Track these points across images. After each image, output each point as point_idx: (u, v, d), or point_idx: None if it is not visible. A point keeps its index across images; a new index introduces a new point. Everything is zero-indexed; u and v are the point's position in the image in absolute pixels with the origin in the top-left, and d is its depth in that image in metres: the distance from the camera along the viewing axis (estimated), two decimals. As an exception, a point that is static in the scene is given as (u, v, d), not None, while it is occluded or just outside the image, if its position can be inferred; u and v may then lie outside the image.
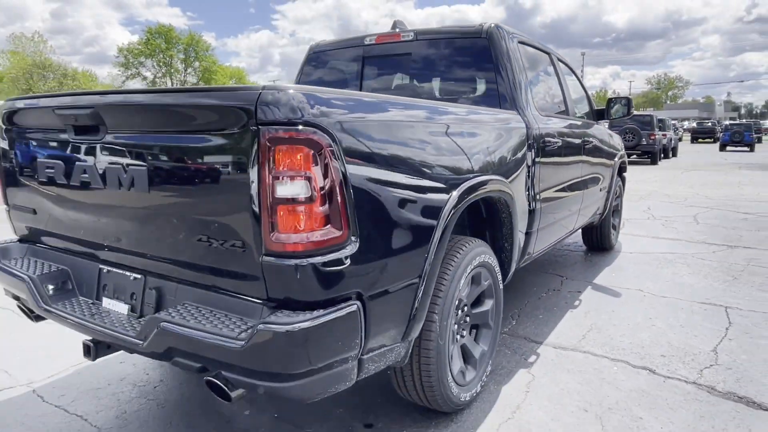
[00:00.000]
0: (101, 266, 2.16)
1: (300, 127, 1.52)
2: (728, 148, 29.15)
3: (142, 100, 1.80)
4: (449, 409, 2.38)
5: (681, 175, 14.34)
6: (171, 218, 1.80)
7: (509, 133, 2.81)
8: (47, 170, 2.15)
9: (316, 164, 1.55)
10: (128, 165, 1.83)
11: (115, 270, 2.10)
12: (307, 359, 1.58)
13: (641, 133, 18.16)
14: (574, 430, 2.34)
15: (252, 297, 1.70)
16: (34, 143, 2.25)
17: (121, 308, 2.05)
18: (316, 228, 1.57)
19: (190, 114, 1.69)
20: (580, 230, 5.16)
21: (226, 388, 1.66)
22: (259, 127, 1.52)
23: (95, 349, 2.06)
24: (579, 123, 4.14)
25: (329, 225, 1.60)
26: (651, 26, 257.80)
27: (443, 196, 2.09)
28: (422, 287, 2.01)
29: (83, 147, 1.99)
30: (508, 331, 3.45)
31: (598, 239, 5.40)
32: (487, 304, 2.63)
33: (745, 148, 28.89)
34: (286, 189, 1.53)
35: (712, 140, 38.64)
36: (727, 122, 32.44)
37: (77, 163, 2.01)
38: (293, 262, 1.56)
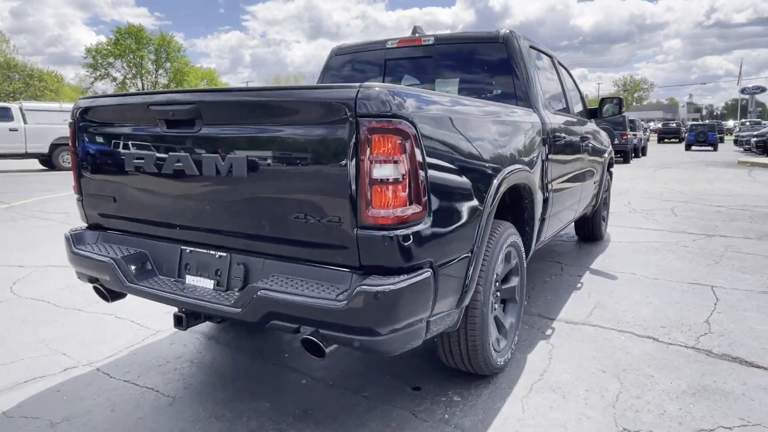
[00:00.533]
0: (183, 247, 2.39)
1: (392, 119, 1.80)
2: (693, 147, 30.38)
3: (247, 97, 2.05)
4: (488, 372, 2.68)
5: (653, 173, 15.03)
6: (268, 200, 2.05)
7: (532, 128, 3.15)
8: (135, 161, 2.38)
9: (404, 151, 1.83)
10: (227, 154, 2.08)
11: (198, 250, 2.34)
12: (395, 316, 1.86)
13: (614, 133, 18.90)
14: (596, 386, 2.67)
15: (341, 266, 1.97)
16: (118, 137, 2.47)
17: (207, 284, 2.30)
18: (402, 205, 1.86)
19: (293, 108, 1.95)
20: (573, 223, 5.55)
21: (322, 345, 1.92)
22: (358, 119, 1.79)
23: (186, 319, 2.30)
24: (576, 120, 4.51)
25: (412, 203, 1.88)
26: (616, 30, 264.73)
27: (490, 182, 2.41)
28: (473, 261, 2.31)
29: (177, 139, 2.23)
30: (523, 309, 3.78)
31: (590, 230, 5.81)
32: (514, 281, 2.95)
33: (709, 148, 30.15)
34: (380, 171, 1.81)
35: (678, 140, 40.15)
36: (692, 123, 33.78)
37: (170, 153, 2.24)
38: (384, 233, 1.84)
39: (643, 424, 2.35)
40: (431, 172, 1.96)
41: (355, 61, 4.07)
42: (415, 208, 1.89)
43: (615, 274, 4.67)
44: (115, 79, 62.71)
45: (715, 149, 29.74)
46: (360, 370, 2.91)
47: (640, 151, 23.10)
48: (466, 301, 2.34)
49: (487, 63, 3.55)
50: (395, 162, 1.82)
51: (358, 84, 1.82)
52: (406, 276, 1.89)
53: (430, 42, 3.73)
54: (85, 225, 2.80)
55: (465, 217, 2.22)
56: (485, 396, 2.60)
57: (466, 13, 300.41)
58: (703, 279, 4.45)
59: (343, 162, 1.84)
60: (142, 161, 2.36)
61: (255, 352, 3.16)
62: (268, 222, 2.08)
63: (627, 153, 19.49)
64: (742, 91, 64.71)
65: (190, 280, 2.36)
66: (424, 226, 1.94)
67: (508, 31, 3.52)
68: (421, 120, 1.92)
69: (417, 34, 3.90)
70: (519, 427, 2.34)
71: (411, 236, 1.88)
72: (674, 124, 45.05)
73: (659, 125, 47.79)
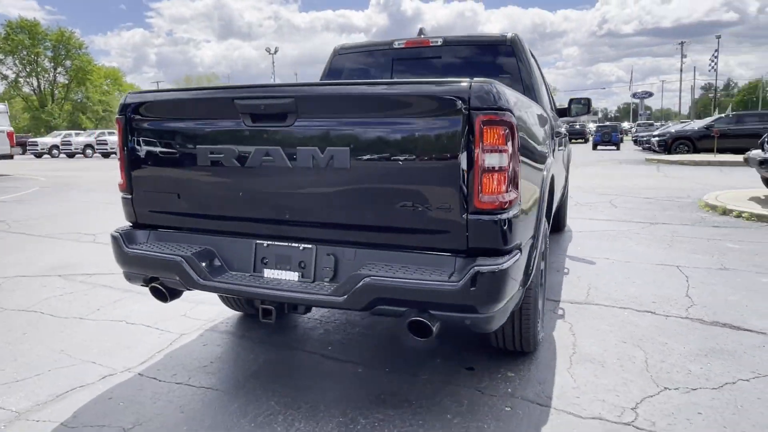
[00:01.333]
0: (258, 242, 2.39)
1: (499, 111, 1.96)
2: (599, 147, 32.89)
3: (353, 91, 2.11)
4: (533, 349, 2.90)
5: (576, 170, 16.20)
6: (371, 190, 2.12)
7: (549, 125, 3.42)
8: (211, 155, 2.34)
9: (508, 141, 1.99)
10: (326, 146, 2.13)
11: (278, 243, 2.36)
12: (502, 295, 2.02)
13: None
14: (624, 355, 2.98)
15: (445, 250, 2.09)
16: (183, 132, 2.42)
17: (290, 276, 2.32)
18: (504, 191, 2.02)
19: (404, 101, 2.04)
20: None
21: (431, 325, 2.03)
22: (471, 111, 1.93)
23: (276, 312, 2.31)
24: (557, 118, 4.89)
25: (510, 189, 2.05)
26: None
27: (543, 172, 2.63)
28: (536, 243, 2.52)
29: (265, 133, 2.23)
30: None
31: (557, 220, 6.26)
32: (542, 265, 3.20)
33: (613, 147, 32.80)
34: (490, 159, 1.96)
35: (583, 141, 43.27)
36: (598, 125, 36.66)
37: (256, 147, 2.24)
38: (492, 217, 2.00)
39: (678, 382, 2.67)
40: (520, 161, 2.14)
41: (360, 61, 4.16)
42: (512, 194, 2.06)
43: (591, 259, 5.10)
44: (6, 77, 57.31)
45: (618, 148, 32.38)
46: (408, 356, 3.02)
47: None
48: (528, 282, 2.54)
49: (495, 63, 3.79)
50: (501, 151, 1.98)
51: (469, 78, 1.96)
52: (507, 257, 2.05)
53: (438, 43, 3.91)
54: (129, 224, 2.69)
55: (535, 202, 2.42)
56: (534, 370, 2.82)
57: (379, 17, 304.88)
58: (666, 260, 4.98)
59: (455, 152, 1.97)
60: (218, 156, 2.34)
61: (293, 346, 3.17)
62: (368, 212, 2.15)
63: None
64: (633, 95, 70.81)
65: (269, 273, 2.36)
66: (517, 211, 2.11)
67: (514, 34, 3.78)
68: (516, 113, 2.09)
69: (423, 36, 4.06)
70: (578, 394, 2.57)
71: (510, 220, 2.05)
72: (578, 126, 48.59)
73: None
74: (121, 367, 2.89)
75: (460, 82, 1.97)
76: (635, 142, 34.44)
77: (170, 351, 3.10)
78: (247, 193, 2.35)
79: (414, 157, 2.05)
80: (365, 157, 2.10)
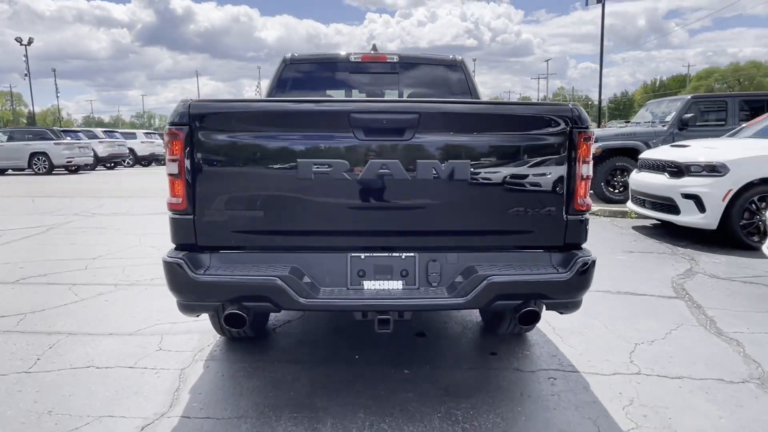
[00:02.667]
0: (353, 254, 2.38)
1: (588, 129, 2.38)
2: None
3: (473, 109, 2.29)
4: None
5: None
6: (483, 199, 2.34)
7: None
8: (316, 169, 2.25)
9: (590, 153, 2.43)
10: (446, 159, 2.28)
11: (377, 254, 2.38)
12: (591, 281, 2.44)
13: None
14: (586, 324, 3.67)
15: (541, 247, 2.42)
16: (277, 145, 2.28)
17: (394, 285, 2.38)
18: (587, 195, 2.45)
19: (518, 119, 2.35)
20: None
21: (539, 312, 2.35)
22: (573, 129, 2.31)
23: (391, 321, 2.33)
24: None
25: (588, 194, 2.49)
26: (296, 45, 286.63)
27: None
28: None
29: (381, 147, 2.27)
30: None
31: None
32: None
33: None
34: (585, 169, 2.37)
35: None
36: None
37: (371, 160, 2.26)
38: (583, 217, 2.41)
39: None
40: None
41: (314, 73, 4.17)
42: (589, 199, 2.50)
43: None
44: None
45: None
46: (434, 355, 3.24)
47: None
48: None
49: (449, 81, 4.21)
50: (589, 162, 2.41)
51: (570, 102, 2.34)
52: (587, 249, 2.49)
53: (395, 60, 4.16)
54: (176, 246, 2.38)
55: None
56: (542, 346, 3.32)
57: (144, 12, 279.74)
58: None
59: (561, 162, 2.33)
60: (324, 169, 2.27)
61: (319, 360, 3.11)
62: (476, 218, 2.37)
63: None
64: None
65: (369, 285, 2.37)
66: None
67: (461, 57, 4.26)
68: None
69: (375, 51, 4.26)
70: (588, 358, 3.14)
71: (588, 219, 2.49)
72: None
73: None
74: (152, 414, 2.51)
75: (563, 104, 2.34)
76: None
77: (190, 388, 2.77)
78: (350, 206, 2.34)
79: (524, 167, 2.35)
80: (481, 169, 2.33)
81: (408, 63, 4.21)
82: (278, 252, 2.39)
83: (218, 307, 2.33)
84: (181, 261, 2.28)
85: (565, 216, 2.40)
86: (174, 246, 2.41)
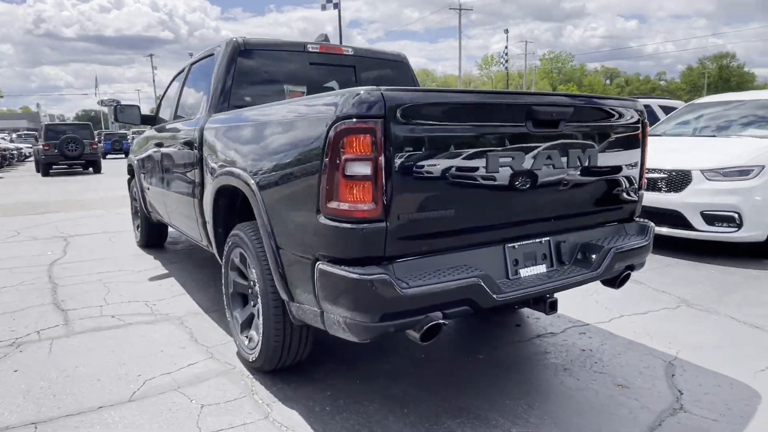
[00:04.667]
0: (508, 245, 2.42)
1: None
2: (109, 155, 31.80)
3: (599, 103, 2.65)
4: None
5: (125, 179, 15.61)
6: (601, 182, 2.67)
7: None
8: (502, 162, 2.19)
9: None
10: (586, 148, 2.51)
11: (523, 243, 2.47)
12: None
13: (84, 143, 17.89)
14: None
15: (616, 221, 2.89)
16: (467, 139, 2.16)
17: (540, 269, 2.51)
18: None
19: (617, 112, 2.73)
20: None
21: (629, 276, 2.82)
22: (641, 120, 2.83)
23: (551, 303, 2.46)
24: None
25: None
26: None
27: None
28: None
29: (546, 138, 2.39)
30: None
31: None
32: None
33: (123, 155, 32.42)
34: (646, 155, 2.93)
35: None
36: (106, 132, 34.80)
37: (538, 152, 2.33)
38: (640, 194, 2.97)
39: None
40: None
41: (271, 62, 3.71)
42: None
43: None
44: None
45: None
46: (487, 337, 3.39)
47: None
48: None
49: (398, 79, 4.27)
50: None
51: (634, 98, 2.85)
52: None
53: (350, 53, 4.02)
54: (358, 256, 2.01)
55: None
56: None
57: None
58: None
59: (637, 147, 2.84)
60: (508, 163, 2.25)
61: (372, 377, 2.92)
62: (592, 200, 2.69)
63: (98, 162, 18.95)
64: (101, 102, 70.02)
65: (524, 272, 2.45)
66: None
67: (404, 54, 4.37)
68: None
69: (327, 42, 4.01)
70: (598, 317, 3.77)
71: None
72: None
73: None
74: None
75: (634, 99, 2.84)
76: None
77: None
78: (514, 197, 2.37)
79: (624, 153, 2.77)
80: (599, 155, 2.64)
81: (362, 57, 4.11)
82: (450, 252, 2.26)
83: (421, 320, 2.09)
84: (385, 276, 1.97)
85: (637, 193, 2.92)
86: (339, 259, 2.05)
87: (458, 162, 2.16)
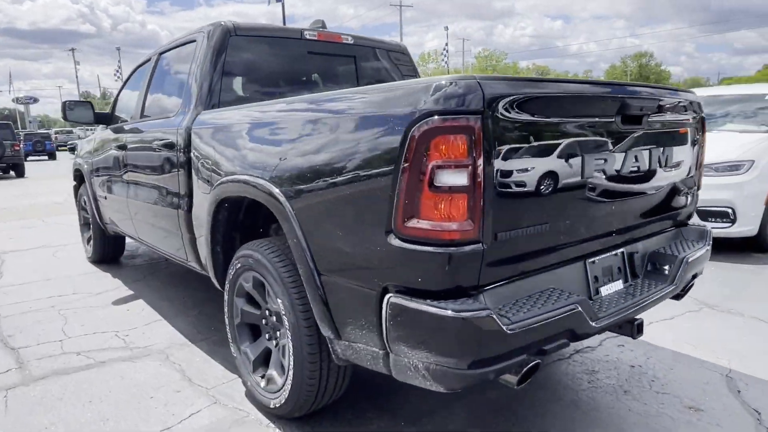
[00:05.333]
0: (589, 260, 2.08)
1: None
2: (31, 157, 29.42)
3: (677, 97, 2.32)
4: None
5: (55, 183, 14.57)
6: (672, 184, 2.37)
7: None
8: (597, 165, 1.85)
9: None
10: (663, 146, 2.22)
11: (601, 257, 2.14)
12: None
13: (4, 144, 16.23)
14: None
15: (674, 226, 2.61)
16: (569, 139, 1.79)
17: (617, 286, 2.19)
18: None
19: (683, 107, 2.41)
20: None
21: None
22: (700, 115, 2.58)
23: (638, 326, 2.14)
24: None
25: None
26: None
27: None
28: None
29: (634, 136, 2.07)
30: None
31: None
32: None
33: (45, 157, 30.11)
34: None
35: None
36: (26, 133, 31.92)
37: (627, 152, 2.01)
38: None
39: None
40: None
41: (264, 51, 3.21)
42: None
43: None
44: None
45: (54, 158, 30.05)
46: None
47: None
48: None
49: (399, 66, 3.86)
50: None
51: (693, 90, 2.58)
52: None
53: (350, 41, 3.57)
54: (448, 287, 1.60)
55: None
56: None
57: None
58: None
59: (696, 144, 2.56)
60: (604, 166, 1.92)
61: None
62: (664, 203, 2.39)
63: (21, 166, 17.30)
64: (16, 100, 65.15)
65: (604, 290, 2.13)
66: None
67: (403, 44, 3.96)
68: None
69: (325, 29, 3.54)
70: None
71: None
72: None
73: None
74: None
75: (690, 91, 2.57)
76: (71, 150, 32.56)
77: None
78: (602, 205, 2.03)
79: (691, 150, 2.50)
80: (677, 153, 2.36)
81: (362, 47, 3.66)
82: (535, 275, 1.89)
83: (521, 360, 1.71)
84: (488, 312, 1.58)
85: (696, 194, 2.67)
86: (417, 291, 1.63)
87: (557, 165, 1.79)
